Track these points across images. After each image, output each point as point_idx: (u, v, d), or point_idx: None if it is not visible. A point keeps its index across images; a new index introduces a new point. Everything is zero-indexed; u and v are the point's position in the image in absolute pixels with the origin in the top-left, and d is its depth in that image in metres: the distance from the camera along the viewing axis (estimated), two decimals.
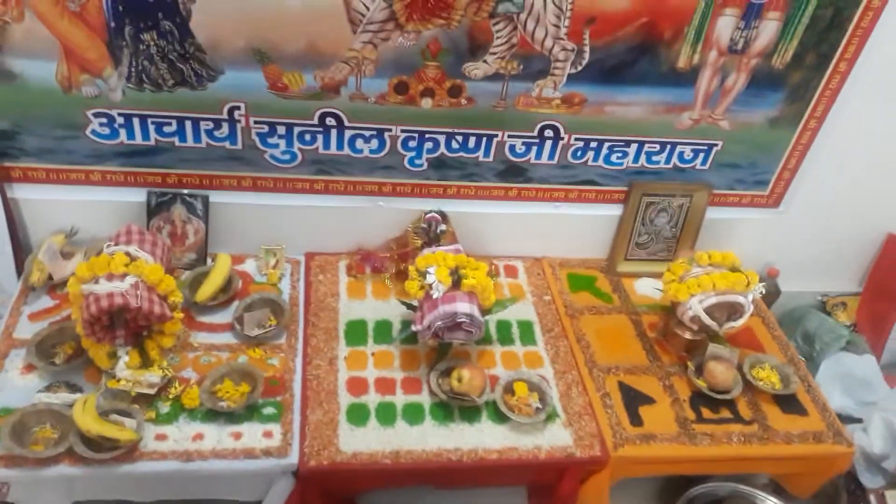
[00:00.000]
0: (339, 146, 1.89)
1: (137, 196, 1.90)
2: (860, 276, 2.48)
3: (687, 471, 1.82)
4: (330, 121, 1.83)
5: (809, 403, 1.90)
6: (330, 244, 2.09)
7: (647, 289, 2.15)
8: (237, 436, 1.57)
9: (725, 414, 1.83)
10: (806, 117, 1.99)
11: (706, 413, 1.82)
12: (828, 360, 2.30)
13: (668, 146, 2.01)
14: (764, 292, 1.90)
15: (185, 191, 1.91)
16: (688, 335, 1.92)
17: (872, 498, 1.85)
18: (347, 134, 1.87)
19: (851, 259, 2.43)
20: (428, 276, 1.71)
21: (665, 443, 1.73)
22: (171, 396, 1.62)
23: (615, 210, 2.15)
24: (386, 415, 1.68)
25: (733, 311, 1.85)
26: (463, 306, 1.69)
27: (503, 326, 1.97)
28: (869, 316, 2.44)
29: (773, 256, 2.31)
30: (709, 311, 1.82)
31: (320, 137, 1.87)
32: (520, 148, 1.96)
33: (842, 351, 2.33)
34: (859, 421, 2.10)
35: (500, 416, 1.71)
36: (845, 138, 2.04)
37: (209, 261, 1.98)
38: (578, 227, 2.18)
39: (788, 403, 1.88)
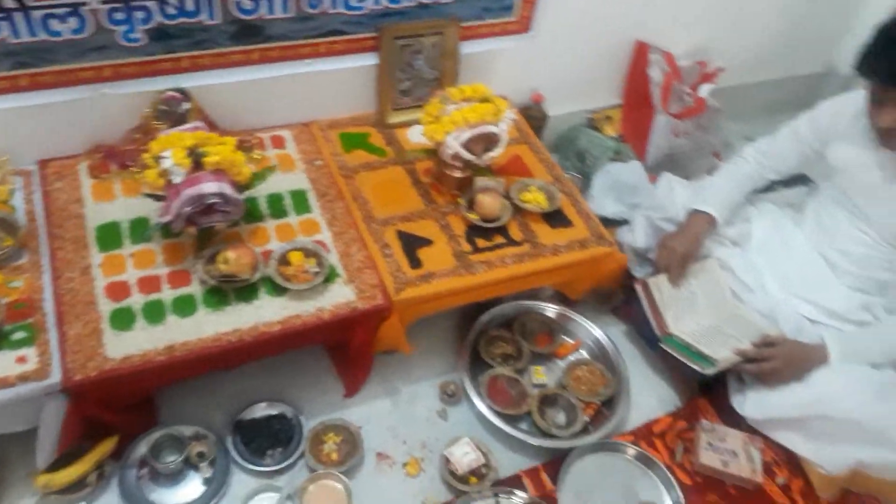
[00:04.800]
0: (32, 32, 1.63)
1: None
2: (619, 88, 2.60)
3: (471, 299, 1.92)
4: (8, 3, 1.56)
5: (575, 215, 2.03)
6: (64, 147, 1.86)
7: (419, 136, 2.12)
8: None
9: (499, 240, 1.92)
10: None
11: (481, 243, 1.90)
12: (599, 173, 2.46)
13: None
14: (515, 118, 1.95)
15: None
16: (457, 174, 1.95)
17: (638, 286, 2.05)
18: (36, 15, 1.61)
19: (608, 72, 2.53)
20: (163, 161, 1.58)
21: (444, 278, 1.80)
22: None
23: (372, 60, 2.07)
24: (154, 313, 1.60)
25: (490, 141, 1.89)
26: (209, 186, 1.60)
27: (275, 200, 1.90)
28: (631, 124, 2.59)
29: (536, 82, 2.36)
30: (467, 145, 1.85)
31: (5, 25, 1.60)
32: (247, 3, 1.80)
33: (611, 162, 2.50)
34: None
35: (278, 289, 1.69)
36: None
37: None
38: (339, 84, 2.09)
39: (555, 219, 2.00)
